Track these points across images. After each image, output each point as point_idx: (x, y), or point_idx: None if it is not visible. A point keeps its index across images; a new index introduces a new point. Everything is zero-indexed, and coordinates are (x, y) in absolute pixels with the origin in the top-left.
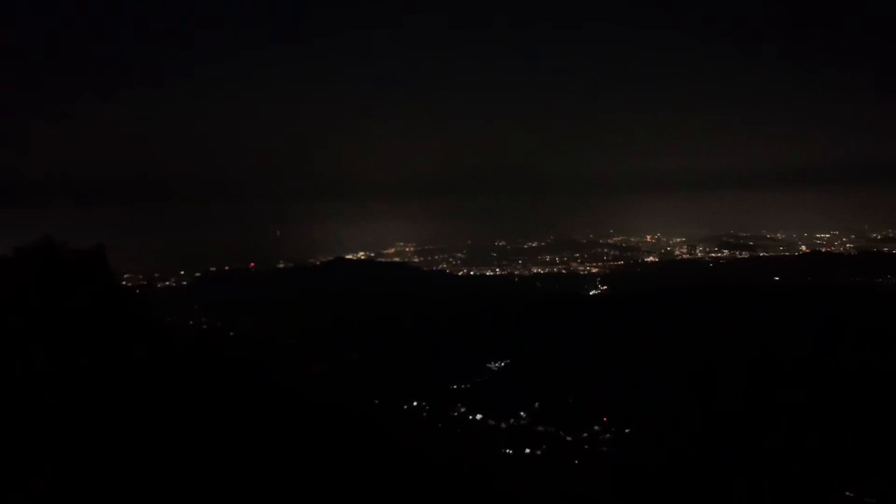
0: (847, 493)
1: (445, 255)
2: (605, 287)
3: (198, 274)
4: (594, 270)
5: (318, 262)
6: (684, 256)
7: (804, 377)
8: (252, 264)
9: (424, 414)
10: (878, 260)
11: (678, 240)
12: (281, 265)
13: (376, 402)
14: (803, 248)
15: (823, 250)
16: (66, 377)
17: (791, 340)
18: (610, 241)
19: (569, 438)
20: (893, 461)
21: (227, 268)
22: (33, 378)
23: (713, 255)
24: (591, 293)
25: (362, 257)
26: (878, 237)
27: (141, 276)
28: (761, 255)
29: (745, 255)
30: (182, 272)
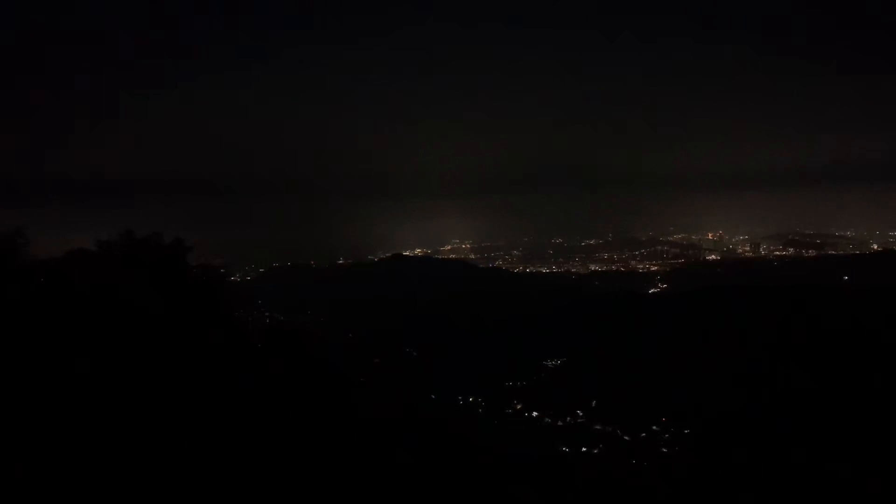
0: None
1: (502, 253)
2: (664, 286)
3: (262, 269)
4: (653, 269)
5: (376, 259)
6: (748, 254)
7: (872, 376)
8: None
9: (480, 410)
10: None
11: (741, 237)
12: (341, 261)
13: (433, 396)
14: (875, 246)
15: None
16: (146, 363)
17: (860, 341)
18: (670, 238)
19: (626, 438)
20: None
21: (289, 264)
22: (116, 366)
23: (778, 253)
24: (650, 292)
25: (420, 254)
26: None
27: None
28: (830, 253)
29: (812, 253)
30: (247, 268)
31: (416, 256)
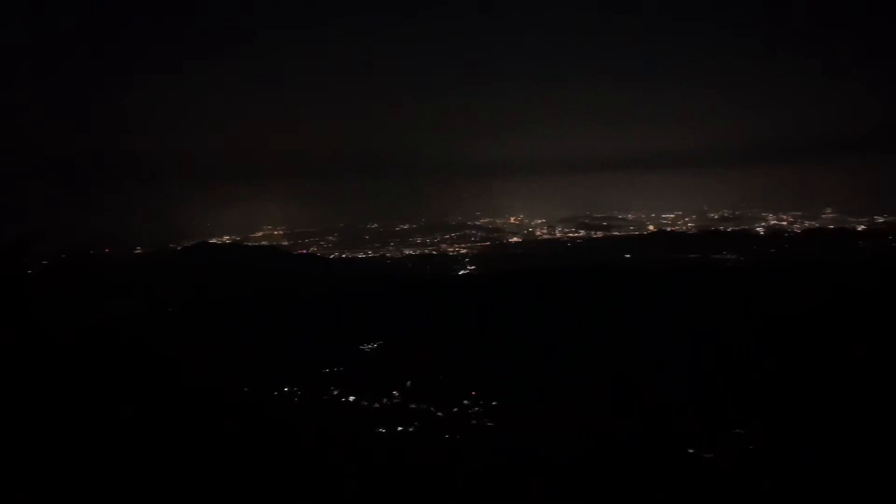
0: None
1: (316, 239)
2: (473, 267)
3: (45, 262)
4: (463, 251)
5: (179, 248)
6: (545, 237)
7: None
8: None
9: (296, 399)
10: (716, 238)
11: (539, 221)
12: (139, 250)
13: (246, 389)
14: (651, 227)
15: (668, 229)
16: None
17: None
18: (477, 222)
19: (440, 414)
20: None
21: (79, 254)
22: None
23: (571, 234)
24: (460, 273)
25: (228, 241)
26: (716, 217)
27: None
28: (614, 234)
29: (599, 234)
30: (27, 261)
31: (224, 244)
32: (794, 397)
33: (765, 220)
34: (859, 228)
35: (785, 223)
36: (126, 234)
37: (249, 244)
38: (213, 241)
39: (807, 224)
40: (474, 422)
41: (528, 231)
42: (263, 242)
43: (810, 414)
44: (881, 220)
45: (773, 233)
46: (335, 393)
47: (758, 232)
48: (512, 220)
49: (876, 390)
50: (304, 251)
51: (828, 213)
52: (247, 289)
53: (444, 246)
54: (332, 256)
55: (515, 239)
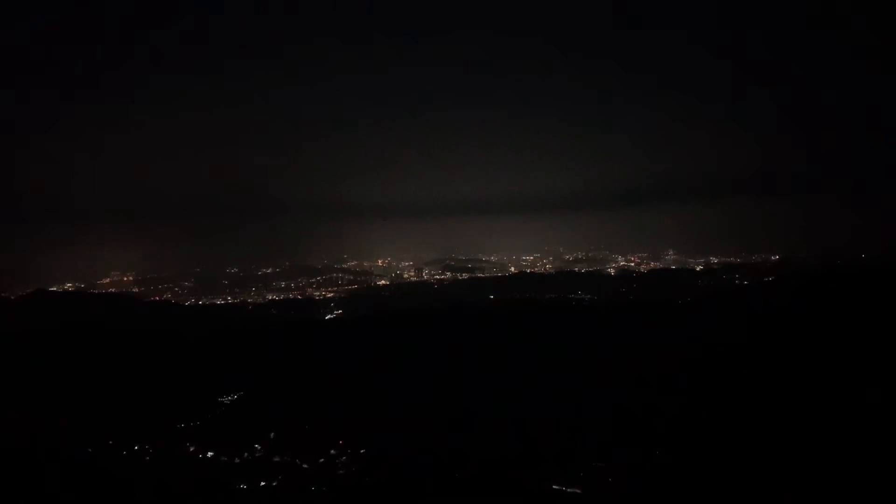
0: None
1: (171, 285)
2: (339, 311)
3: None
4: (329, 295)
5: (12, 297)
6: (412, 279)
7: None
8: None
9: (148, 458)
10: (571, 278)
11: (407, 263)
12: None
13: (90, 450)
14: (512, 269)
15: (528, 271)
16: None
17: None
18: (344, 265)
19: (305, 466)
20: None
21: None
22: None
23: (438, 276)
24: (326, 317)
25: (70, 289)
26: (571, 258)
27: None
28: (479, 276)
29: (465, 276)
30: None
31: (65, 292)
32: (650, 431)
33: (614, 261)
34: (698, 269)
35: (633, 263)
36: None
37: (95, 291)
38: (53, 289)
39: (652, 264)
40: (342, 472)
41: (396, 273)
42: (111, 290)
43: (665, 447)
44: (715, 260)
45: (622, 273)
46: (191, 449)
47: (609, 272)
48: (380, 262)
49: (715, 422)
50: (157, 298)
51: (670, 255)
52: (91, 340)
53: (309, 290)
54: (187, 303)
55: (383, 281)
